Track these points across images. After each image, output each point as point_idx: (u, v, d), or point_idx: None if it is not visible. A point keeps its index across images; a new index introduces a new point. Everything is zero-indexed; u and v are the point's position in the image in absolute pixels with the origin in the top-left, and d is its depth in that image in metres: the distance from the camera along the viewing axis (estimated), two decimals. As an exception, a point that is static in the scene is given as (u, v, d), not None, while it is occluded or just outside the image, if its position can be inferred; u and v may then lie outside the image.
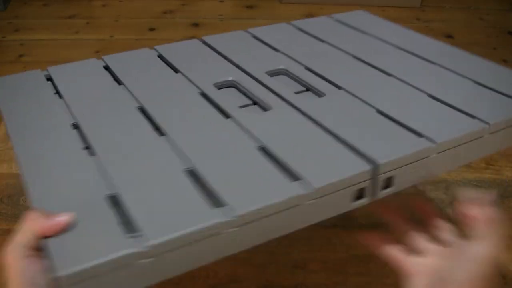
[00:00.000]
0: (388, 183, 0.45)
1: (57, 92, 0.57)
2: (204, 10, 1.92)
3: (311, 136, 0.47)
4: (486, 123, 0.49)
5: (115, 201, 0.40)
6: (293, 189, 0.40)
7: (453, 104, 0.53)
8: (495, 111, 0.51)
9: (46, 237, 0.36)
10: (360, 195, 0.44)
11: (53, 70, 0.63)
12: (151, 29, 1.83)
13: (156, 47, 0.68)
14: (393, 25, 0.77)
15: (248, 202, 0.39)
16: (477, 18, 1.93)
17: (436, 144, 0.46)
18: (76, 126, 0.51)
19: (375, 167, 0.43)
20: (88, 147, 0.47)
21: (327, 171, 0.42)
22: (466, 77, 0.59)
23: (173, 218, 0.37)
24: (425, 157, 0.45)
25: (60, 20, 1.86)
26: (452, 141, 0.47)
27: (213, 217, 0.37)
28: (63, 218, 0.38)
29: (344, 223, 0.71)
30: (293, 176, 0.42)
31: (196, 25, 1.86)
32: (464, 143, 0.48)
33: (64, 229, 0.37)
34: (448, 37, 1.84)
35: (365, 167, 0.42)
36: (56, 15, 1.89)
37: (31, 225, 0.37)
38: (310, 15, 1.91)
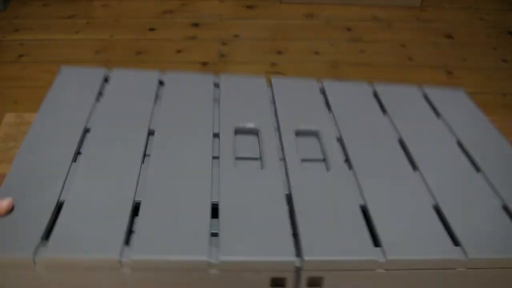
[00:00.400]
0: (316, 282, 0.40)
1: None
2: (204, 10, 1.92)
3: (263, 209, 0.43)
4: (465, 254, 0.41)
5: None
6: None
7: (449, 222, 0.44)
8: (492, 246, 0.41)
9: None
10: (280, 284, 0.40)
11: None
12: (151, 29, 1.83)
13: (222, 77, 0.65)
14: (480, 117, 0.64)
15: None
16: (477, 18, 1.93)
17: (386, 260, 0.39)
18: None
19: (300, 260, 0.39)
20: None
21: (246, 249, 0.39)
22: (499, 197, 0.48)
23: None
24: (369, 269, 0.40)
25: (60, 20, 1.86)
26: (407, 262, 0.40)
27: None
28: (5, 202, 0.41)
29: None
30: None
31: (196, 25, 1.86)
32: (425, 269, 0.41)
33: (6, 213, 0.41)
34: (448, 37, 1.84)
35: (288, 257, 0.39)
36: (56, 15, 1.89)
37: None
38: (310, 15, 1.91)
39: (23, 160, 0.48)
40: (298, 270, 0.39)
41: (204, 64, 1.72)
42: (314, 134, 0.56)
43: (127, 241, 0.40)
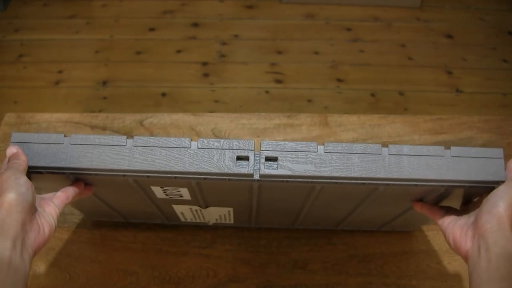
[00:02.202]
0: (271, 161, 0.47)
1: None
2: (204, 10, 1.92)
3: None
4: None
5: None
6: None
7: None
8: None
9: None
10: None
11: None
12: (151, 29, 1.83)
13: None
14: None
15: None
16: (477, 18, 1.93)
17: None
18: None
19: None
20: None
21: None
22: None
23: None
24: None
25: (60, 20, 1.86)
26: None
27: None
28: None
29: (344, 223, 0.71)
30: None
31: (196, 25, 1.86)
32: None
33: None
34: (448, 37, 1.84)
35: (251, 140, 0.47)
36: (56, 15, 1.89)
37: (19, 158, 0.44)
38: (310, 15, 1.91)
39: None
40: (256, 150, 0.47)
41: (204, 64, 1.72)
42: None
43: None
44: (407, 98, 1.62)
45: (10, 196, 0.40)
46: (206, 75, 1.68)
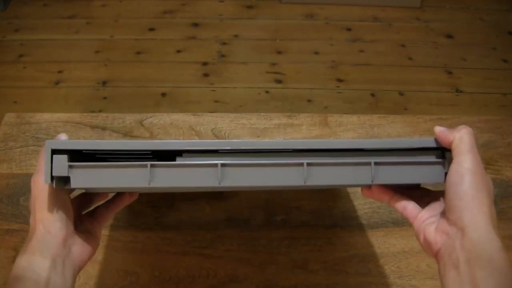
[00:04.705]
0: None
1: None
2: (204, 10, 1.92)
3: None
4: None
5: None
6: None
7: None
8: None
9: None
10: None
11: None
12: (151, 29, 1.83)
13: None
14: None
15: None
16: (477, 18, 1.93)
17: None
18: None
19: None
20: None
21: None
22: None
23: None
24: None
25: (60, 20, 1.86)
26: None
27: None
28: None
29: (344, 223, 0.71)
30: None
31: (196, 25, 1.86)
32: None
33: None
34: (448, 37, 1.84)
35: None
36: (56, 15, 1.89)
37: None
38: (310, 15, 1.91)
39: None
40: None
41: (204, 64, 1.72)
42: None
43: None
44: (407, 98, 1.62)
45: (50, 212, 0.39)
46: (206, 75, 1.68)
